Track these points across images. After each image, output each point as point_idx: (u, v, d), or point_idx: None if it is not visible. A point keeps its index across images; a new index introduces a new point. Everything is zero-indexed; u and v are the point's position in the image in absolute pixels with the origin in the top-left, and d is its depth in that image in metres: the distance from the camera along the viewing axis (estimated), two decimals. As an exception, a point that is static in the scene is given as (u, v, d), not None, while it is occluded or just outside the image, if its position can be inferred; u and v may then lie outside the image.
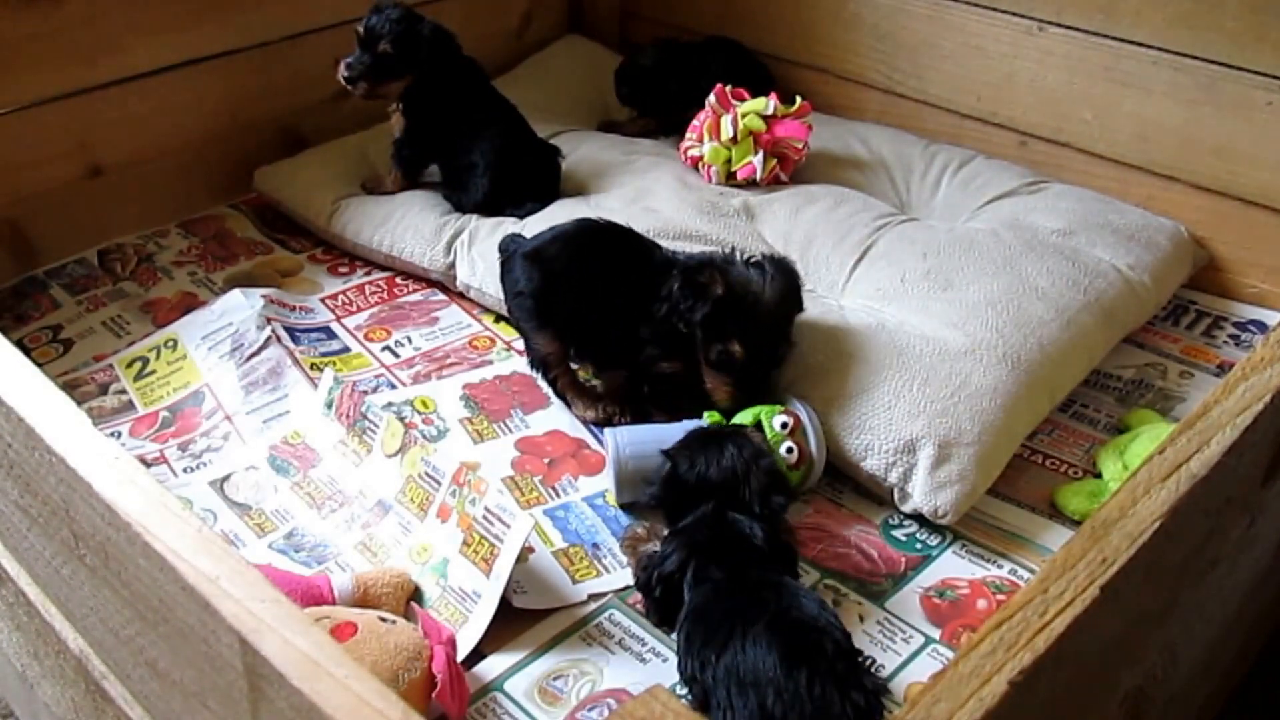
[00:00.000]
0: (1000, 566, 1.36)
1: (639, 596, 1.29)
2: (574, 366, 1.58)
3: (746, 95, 1.91)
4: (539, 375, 1.58)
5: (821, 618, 1.09)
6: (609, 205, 1.84)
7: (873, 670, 1.20)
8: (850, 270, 1.68)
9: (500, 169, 1.85)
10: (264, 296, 1.74)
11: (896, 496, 1.42)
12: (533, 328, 1.54)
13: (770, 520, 1.22)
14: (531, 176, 1.88)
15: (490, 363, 1.67)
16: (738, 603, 1.11)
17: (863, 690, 1.04)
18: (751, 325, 1.41)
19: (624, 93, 2.18)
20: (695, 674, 1.10)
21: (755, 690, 1.03)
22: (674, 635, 1.20)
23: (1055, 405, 1.56)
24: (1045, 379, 1.50)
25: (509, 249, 1.59)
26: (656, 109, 2.16)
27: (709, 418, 1.43)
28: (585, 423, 1.55)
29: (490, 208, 1.85)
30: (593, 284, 1.49)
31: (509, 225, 1.80)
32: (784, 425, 1.39)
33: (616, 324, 1.47)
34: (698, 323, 1.41)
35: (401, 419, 1.48)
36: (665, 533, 1.27)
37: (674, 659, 1.21)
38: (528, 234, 1.67)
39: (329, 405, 1.50)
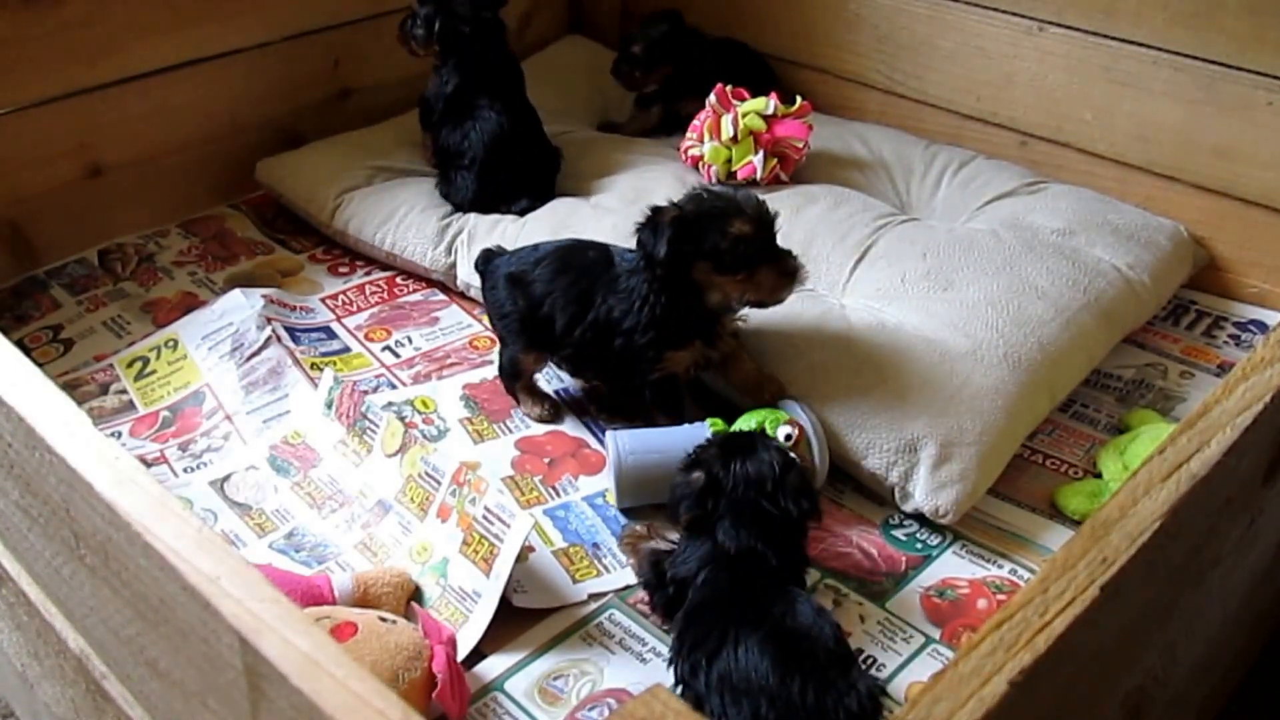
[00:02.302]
0: (1000, 566, 1.36)
1: (640, 596, 1.29)
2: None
3: (747, 95, 1.90)
4: (507, 380, 1.59)
5: (816, 625, 1.09)
6: (609, 205, 1.84)
7: (871, 670, 1.20)
8: (850, 270, 1.68)
9: (489, 164, 1.85)
10: (264, 296, 1.74)
11: (897, 496, 1.42)
12: (519, 347, 1.54)
13: (801, 520, 1.21)
14: (524, 174, 1.88)
15: (490, 363, 1.67)
16: (732, 608, 1.11)
17: (856, 694, 1.04)
18: (738, 206, 1.39)
19: (640, 45, 2.13)
20: (686, 678, 1.11)
21: (748, 698, 1.04)
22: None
23: (1055, 405, 1.56)
24: (1045, 379, 1.50)
25: (490, 267, 1.58)
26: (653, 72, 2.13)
27: (711, 425, 1.42)
28: (536, 419, 1.57)
29: (481, 205, 1.86)
30: (575, 305, 1.48)
31: (508, 225, 1.81)
32: (788, 438, 1.38)
33: (600, 340, 1.47)
34: (666, 254, 1.37)
35: (401, 419, 1.48)
36: (674, 531, 1.27)
37: (675, 659, 1.21)
38: (522, 238, 1.69)
39: (329, 405, 1.50)
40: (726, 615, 1.10)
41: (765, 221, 1.39)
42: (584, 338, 1.47)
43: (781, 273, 1.40)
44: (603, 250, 1.51)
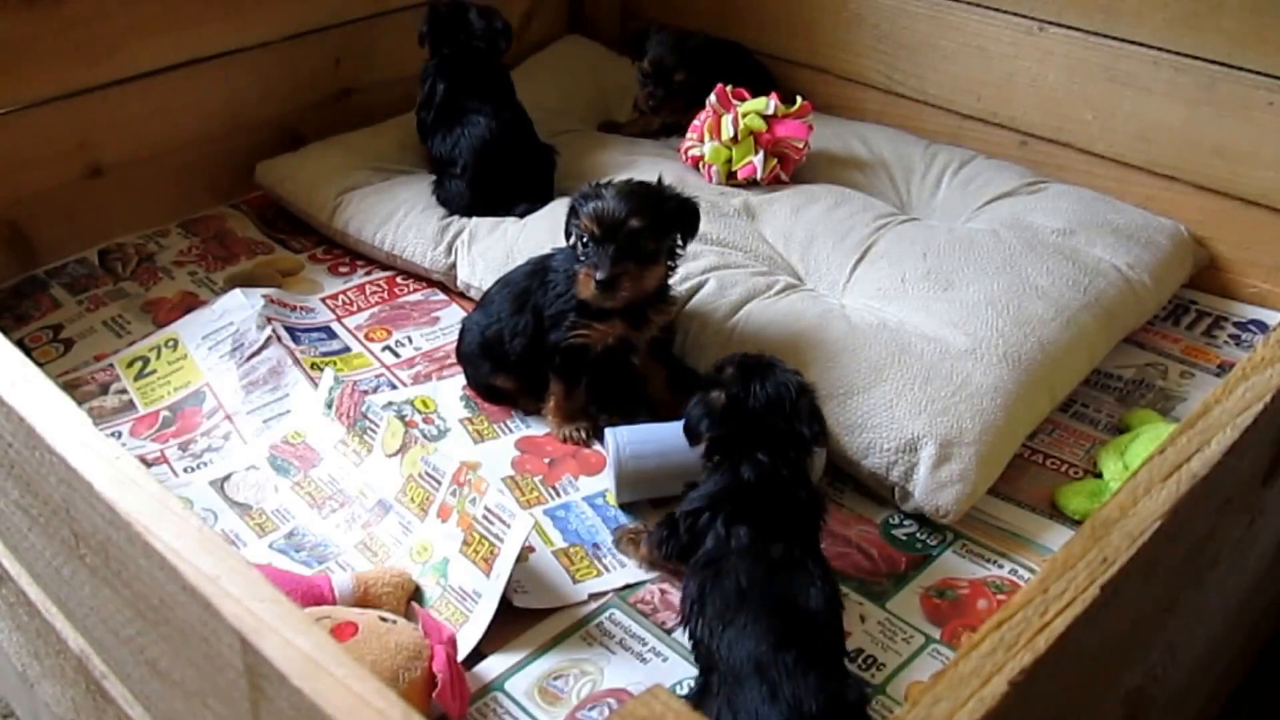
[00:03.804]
0: (1000, 566, 1.36)
1: (640, 595, 1.30)
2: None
3: (747, 95, 1.91)
4: (491, 402, 1.62)
5: (823, 614, 1.11)
6: (609, 205, 1.83)
7: (870, 670, 1.21)
8: (851, 270, 1.68)
9: (480, 170, 1.85)
10: (264, 296, 1.74)
11: (898, 495, 1.42)
12: (488, 369, 1.58)
13: (812, 442, 1.25)
14: (517, 178, 1.88)
15: (490, 362, 1.67)
16: (752, 581, 1.13)
17: (847, 680, 1.08)
18: (595, 206, 1.41)
19: (670, 60, 2.05)
20: (703, 638, 1.13)
21: (751, 663, 1.06)
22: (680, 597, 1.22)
23: (1056, 405, 1.56)
24: (1045, 378, 1.50)
25: (463, 330, 1.65)
26: (675, 90, 2.07)
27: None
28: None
29: (476, 210, 1.86)
30: (513, 304, 1.54)
31: (508, 225, 1.81)
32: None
33: (535, 327, 1.52)
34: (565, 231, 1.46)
35: (402, 418, 1.48)
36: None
37: (675, 659, 1.21)
38: (522, 239, 1.73)
39: (329, 405, 1.50)
40: (746, 589, 1.13)
41: (606, 225, 1.39)
42: (524, 330, 1.52)
43: (591, 279, 1.40)
44: (541, 258, 1.57)
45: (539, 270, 1.54)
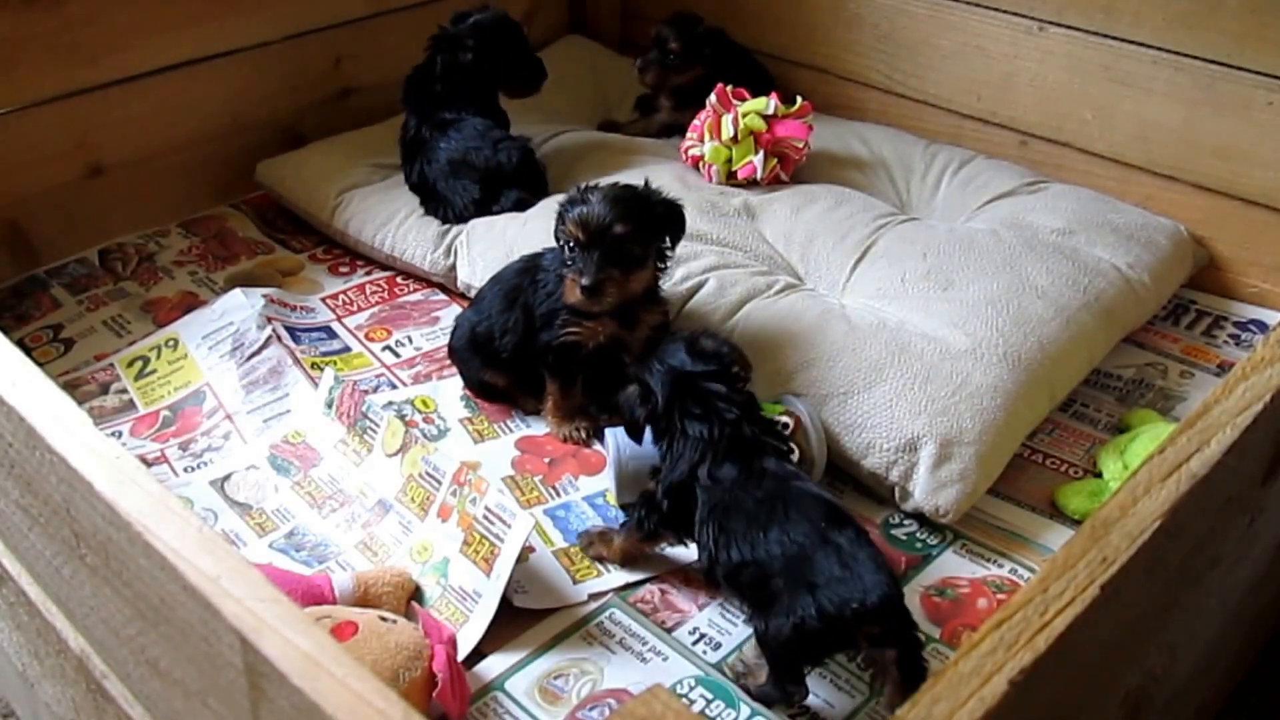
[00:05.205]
0: (1000, 566, 1.36)
1: (640, 595, 1.30)
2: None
3: (747, 95, 1.91)
4: (486, 399, 1.62)
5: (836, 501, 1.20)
6: (609, 205, 1.83)
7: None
8: (851, 270, 1.68)
9: (452, 184, 1.85)
10: (265, 296, 1.74)
11: (897, 495, 1.42)
12: (478, 365, 1.59)
13: (733, 363, 1.28)
14: (499, 177, 1.86)
15: (490, 362, 1.67)
16: (769, 491, 1.19)
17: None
18: (581, 211, 1.41)
19: (667, 32, 2.07)
20: (744, 557, 1.16)
21: (813, 541, 1.12)
22: (694, 541, 1.26)
23: (1055, 404, 1.56)
24: (1045, 378, 1.50)
25: (456, 325, 1.66)
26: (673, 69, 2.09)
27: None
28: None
29: (470, 216, 1.85)
30: (504, 301, 1.55)
31: (508, 225, 1.80)
32: (784, 427, 1.39)
33: (526, 325, 1.52)
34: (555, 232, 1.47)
35: (402, 418, 1.48)
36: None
37: (675, 658, 1.21)
38: (522, 238, 1.73)
39: (329, 405, 1.51)
40: (766, 498, 1.17)
41: (591, 231, 1.40)
42: (514, 327, 1.52)
43: (577, 285, 1.41)
44: (532, 256, 1.58)
45: (529, 268, 1.55)
